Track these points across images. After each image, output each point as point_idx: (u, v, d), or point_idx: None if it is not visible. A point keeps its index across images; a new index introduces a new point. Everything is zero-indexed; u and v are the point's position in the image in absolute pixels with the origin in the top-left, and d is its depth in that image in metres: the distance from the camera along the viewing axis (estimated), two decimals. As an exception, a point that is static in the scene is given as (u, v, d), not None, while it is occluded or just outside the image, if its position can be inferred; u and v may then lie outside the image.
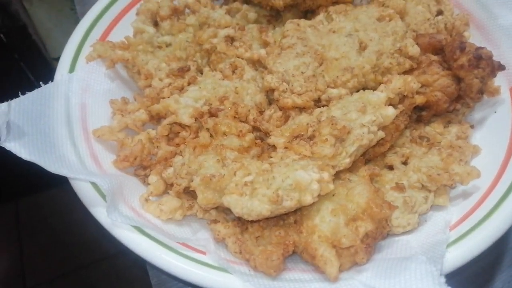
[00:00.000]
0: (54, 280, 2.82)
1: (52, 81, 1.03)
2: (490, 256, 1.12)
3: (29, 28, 2.47)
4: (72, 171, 0.88)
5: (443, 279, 0.71)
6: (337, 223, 0.83)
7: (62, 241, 2.89)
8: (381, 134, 0.95)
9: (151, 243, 0.82)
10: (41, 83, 0.99)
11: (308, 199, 0.81)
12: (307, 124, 0.96)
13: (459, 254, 0.82)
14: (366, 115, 0.94)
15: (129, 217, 0.86)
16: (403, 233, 0.91)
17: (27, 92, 0.95)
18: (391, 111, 0.95)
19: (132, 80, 1.18)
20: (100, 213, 0.85)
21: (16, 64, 2.51)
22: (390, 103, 1.00)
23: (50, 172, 0.86)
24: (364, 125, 0.91)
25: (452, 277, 0.78)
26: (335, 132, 0.88)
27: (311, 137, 0.92)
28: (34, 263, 2.90)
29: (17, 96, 0.93)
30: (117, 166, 0.99)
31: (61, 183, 0.93)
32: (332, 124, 0.89)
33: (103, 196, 0.87)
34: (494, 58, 1.04)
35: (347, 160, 0.89)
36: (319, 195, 0.84)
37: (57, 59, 1.13)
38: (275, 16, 1.31)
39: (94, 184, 0.89)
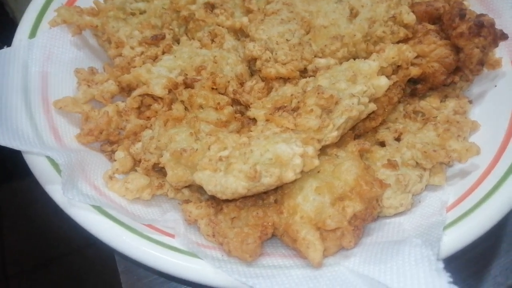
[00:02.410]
0: (36, 268, 2.74)
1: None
2: (487, 241, 1.04)
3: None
4: (24, 144, 0.78)
5: (441, 265, 0.63)
6: (322, 202, 0.74)
7: (44, 229, 2.80)
8: (372, 106, 0.87)
9: (112, 225, 0.73)
10: (-5, 47, 0.89)
11: (289, 175, 0.73)
12: (291, 95, 0.88)
13: (456, 237, 0.74)
14: (356, 85, 0.86)
15: (89, 196, 0.77)
16: (395, 215, 0.84)
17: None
18: (384, 81, 0.87)
19: (103, 49, 1.08)
20: (55, 190, 0.76)
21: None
22: (383, 73, 0.91)
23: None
24: (354, 95, 0.83)
25: (448, 263, 0.70)
26: (322, 102, 0.79)
27: (295, 109, 0.83)
28: (15, 252, 2.81)
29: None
30: (81, 141, 0.89)
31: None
32: (318, 93, 0.80)
33: (61, 172, 0.78)
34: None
35: (335, 134, 0.80)
36: (302, 172, 0.75)
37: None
38: (259, -17, 1.21)
39: (50, 159, 0.79)
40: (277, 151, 0.73)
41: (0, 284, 2.74)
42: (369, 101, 0.86)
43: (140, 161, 0.85)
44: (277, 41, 0.97)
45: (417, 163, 0.87)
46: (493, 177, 0.83)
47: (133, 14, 1.10)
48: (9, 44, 0.95)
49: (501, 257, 1.04)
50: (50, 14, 1.02)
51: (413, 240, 0.69)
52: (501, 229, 1.07)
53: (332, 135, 0.80)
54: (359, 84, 0.86)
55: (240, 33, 1.10)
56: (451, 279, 0.61)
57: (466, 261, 0.97)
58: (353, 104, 0.81)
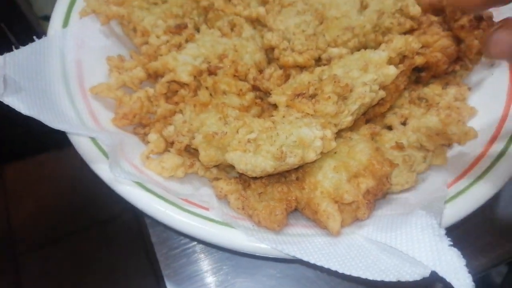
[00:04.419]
0: (45, 246, 2.82)
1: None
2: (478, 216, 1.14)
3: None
4: (72, 126, 0.87)
5: (443, 231, 0.73)
6: (340, 179, 0.84)
7: (51, 208, 2.88)
8: (382, 93, 0.95)
9: (154, 198, 0.82)
10: (34, 37, 0.95)
11: (311, 155, 0.82)
12: (309, 82, 0.96)
13: (456, 210, 0.83)
14: (368, 73, 0.94)
15: (131, 173, 0.85)
16: (402, 191, 0.93)
17: (20, 47, 0.91)
18: (392, 70, 0.95)
19: (128, 38, 1.15)
20: (102, 169, 0.84)
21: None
22: (391, 62, 0.99)
23: (36, 138, 0.84)
24: (366, 84, 0.91)
25: (450, 231, 0.80)
26: (338, 89, 0.88)
27: (312, 96, 0.92)
28: (22, 230, 2.89)
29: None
30: (116, 124, 0.97)
31: (47, 149, 0.92)
32: (335, 81, 0.88)
33: (104, 152, 0.86)
34: (494, 19, 1.03)
35: (349, 119, 0.89)
36: (321, 153, 0.84)
37: (44, 18, 1.08)
38: (273, -26, 1.27)
39: (94, 140, 0.88)
40: (301, 134, 0.82)
41: (10, 261, 2.83)
42: (379, 89, 0.95)
43: (172, 143, 0.94)
44: (293, 32, 1.04)
45: (421, 145, 0.96)
46: (488, 158, 0.91)
47: (155, 3, 1.16)
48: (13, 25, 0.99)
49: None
50: (80, 5, 1.09)
51: (419, 212, 0.79)
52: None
53: (347, 119, 0.89)
54: (370, 73, 0.94)
55: (256, 23, 1.17)
56: (451, 243, 0.71)
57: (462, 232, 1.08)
58: (365, 91, 0.90)
